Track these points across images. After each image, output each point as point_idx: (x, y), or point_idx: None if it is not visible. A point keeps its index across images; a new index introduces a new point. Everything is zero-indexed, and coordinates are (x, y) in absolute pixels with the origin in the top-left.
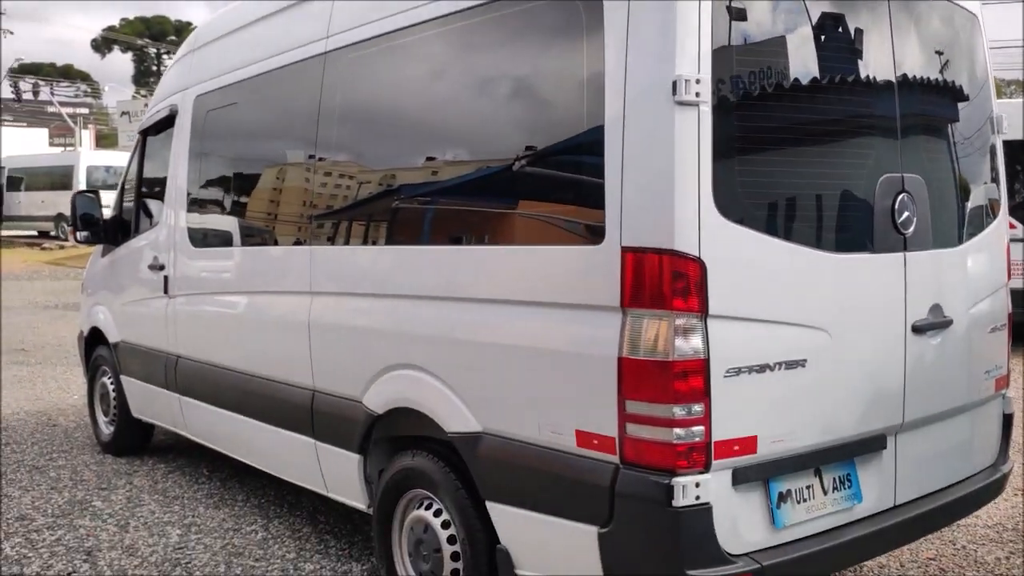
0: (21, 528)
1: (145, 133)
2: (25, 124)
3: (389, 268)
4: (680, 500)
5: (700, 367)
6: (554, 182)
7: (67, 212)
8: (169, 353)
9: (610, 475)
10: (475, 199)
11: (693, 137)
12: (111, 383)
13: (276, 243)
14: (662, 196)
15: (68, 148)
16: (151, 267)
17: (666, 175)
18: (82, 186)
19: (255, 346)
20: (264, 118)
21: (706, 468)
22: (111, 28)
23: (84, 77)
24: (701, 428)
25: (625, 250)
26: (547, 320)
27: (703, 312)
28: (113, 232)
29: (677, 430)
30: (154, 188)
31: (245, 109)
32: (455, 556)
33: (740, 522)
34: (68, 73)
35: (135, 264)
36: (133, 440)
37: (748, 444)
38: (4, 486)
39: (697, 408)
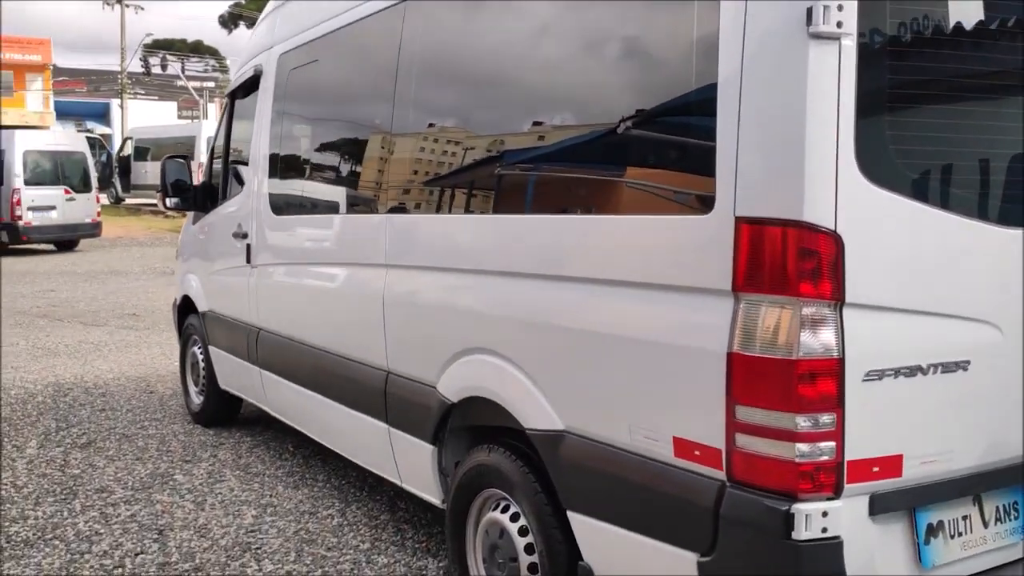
0: (99, 501)
1: (233, 96)
2: (156, 97)
3: (470, 240)
4: (802, 532)
5: (832, 368)
6: (661, 145)
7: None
8: (251, 325)
9: (714, 494)
10: (575, 165)
11: (832, 78)
12: (200, 353)
13: (352, 211)
14: (789, 153)
15: (194, 120)
16: (235, 235)
17: (795, 127)
18: (203, 156)
19: (330, 321)
20: (343, 76)
21: (836, 493)
22: (237, 4)
23: (212, 52)
24: (832, 444)
25: (740, 221)
26: (645, 304)
27: (838, 299)
28: (202, 198)
29: (800, 445)
30: (241, 153)
31: (325, 67)
32: (533, 568)
33: (878, 560)
34: (198, 49)
35: (222, 232)
36: (222, 411)
37: (891, 465)
38: (92, 455)
39: (827, 419)
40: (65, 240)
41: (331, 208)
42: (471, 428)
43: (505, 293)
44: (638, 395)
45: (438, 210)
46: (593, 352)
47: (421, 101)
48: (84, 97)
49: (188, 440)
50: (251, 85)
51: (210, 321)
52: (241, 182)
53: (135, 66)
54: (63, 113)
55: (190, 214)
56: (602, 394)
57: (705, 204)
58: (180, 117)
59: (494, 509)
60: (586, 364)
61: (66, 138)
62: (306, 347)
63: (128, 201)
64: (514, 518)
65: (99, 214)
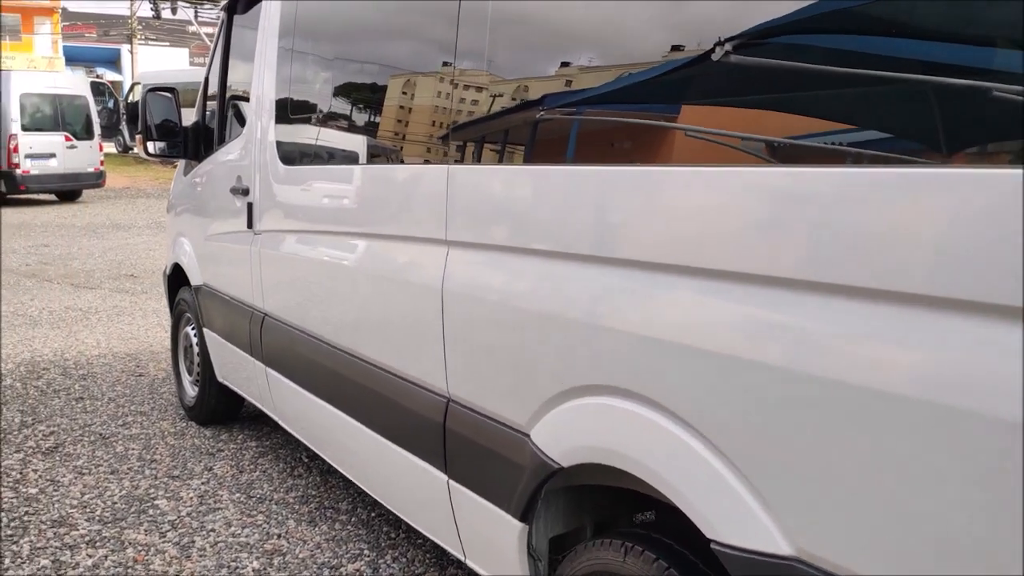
0: (54, 541)
1: (231, 9)
2: (168, 44)
3: (587, 206)
4: None
5: None
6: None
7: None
8: (254, 308)
9: None
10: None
11: None
12: (195, 335)
13: (399, 160)
14: None
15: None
16: (234, 191)
17: None
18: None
19: (362, 314)
20: None
21: None
22: None
23: None
24: None
25: None
26: (949, 334)
27: None
28: (195, 143)
29: None
30: (241, 85)
31: None
32: None
33: None
34: None
35: (218, 186)
36: (220, 407)
37: None
38: (57, 465)
39: None
40: (66, 190)
41: (366, 157)
42: (583, 491)
43: (655, 300)
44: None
45: (534, 158)
46: (850, 422)
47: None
48: (94, 43)
49: (178, 445)
50: None
51: (205, 298)
52: (242, 123)
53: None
54: (72, 59)
55: (181, 162)
56: (881, 505)
57: None
58: (192, 64)
59: None
60: (835, 447)
61: (67, 81)
62: (326, 346)
63: (136, 150)
64: None
65: (102, 163)
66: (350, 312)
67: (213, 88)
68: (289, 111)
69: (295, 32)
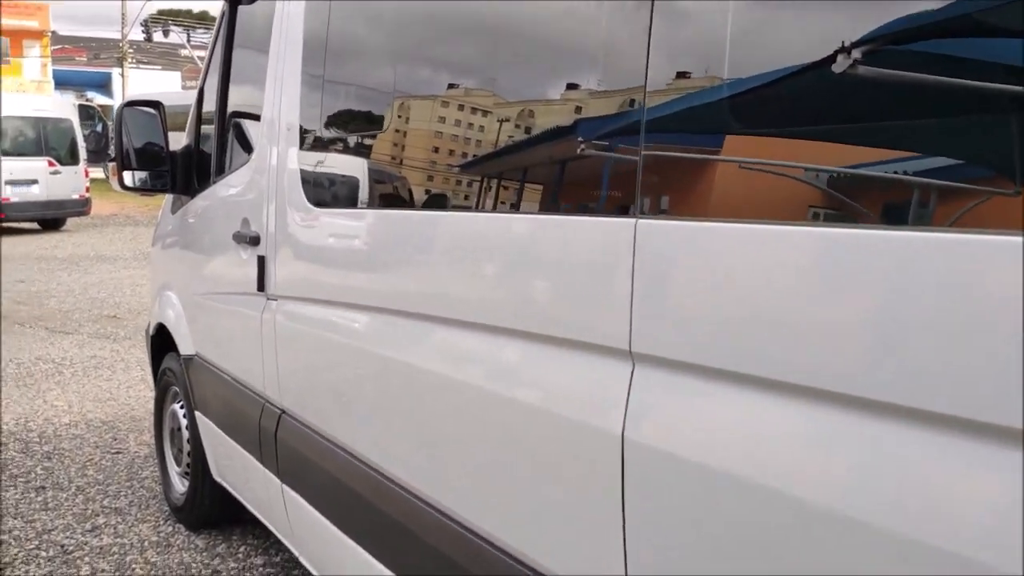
0: None
1: (234, 1)
2: (160, 67)
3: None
4: None
5: None
6: None
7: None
8: (267, 400)
9: None
10: None
11: None
12: (184, 416)
13: (520, 208)
14: None
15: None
16: (239, 238)
17: None
18: None
19: (450, 450)
20: None
21: None
22: None
23: None
24: None
25: None
26: None
27: None
28: (186, 173)
29: None
30: (249, 98)
31: None
32: None
33: None
34: (203, 18)
35: (216, 229)
36: (216, 510)
37: None
38: None
39: None
40: (49, 218)
41: (458, 200)
42: None
43: None
44: None
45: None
46: None
47: None
48: (85, 66)
49: (161, 563)
50: None
51: (197, 372)
52: (249, 148)
53: (136, 34)
54: (62, 82)
55: (169, 197)
56: None
57: None
58: (184, 88)
59: None
60: None
61: (51, 103)
62: (383, 479)
63: (110, 181)
64: None
65: (88, 189)
66: (426, 441)
67: (210, 103)
68: (321, 132)
69: (330, 27)
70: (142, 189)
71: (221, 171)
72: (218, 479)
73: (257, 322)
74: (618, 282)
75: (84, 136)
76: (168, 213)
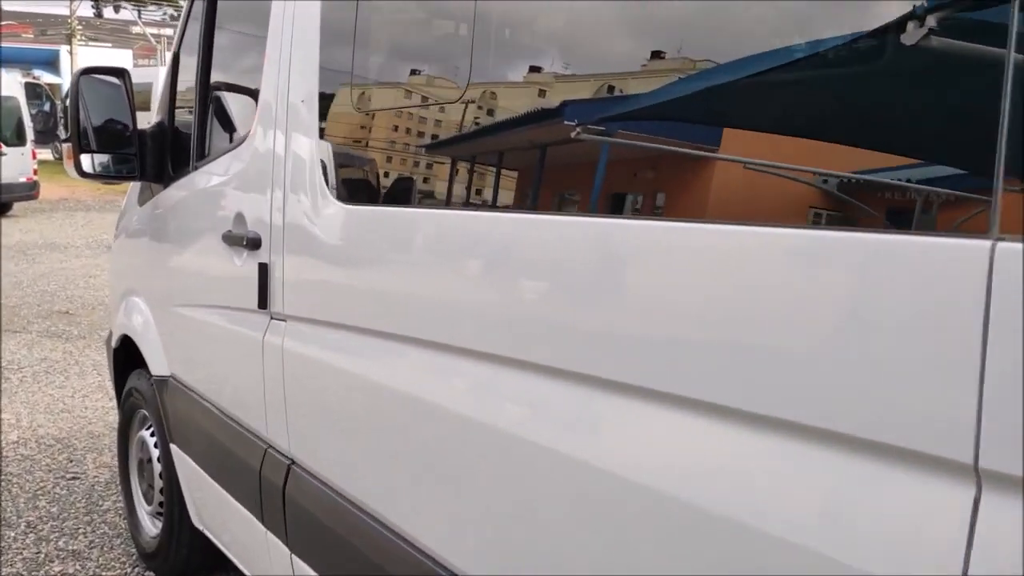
0: None
1: None
2: (110, 44)
3: None
4: None
5: None
6: None
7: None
8: (270, 444)
9: None
10: None
11: None
12: (156, 446)
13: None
14: None
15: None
16: (230, 239)
17: None
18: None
19: (556, 548)
20: None
21: None
22: None
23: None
24: None
25: None
26: None
27: None
28: (158, 157)
29: None
30: (242, 64)
31: None
32: None
33: None
34: None
35: (197, 225)
36: (196, 558)
37: None
38: None
39: None
40: None
41: (576, 194)
42: None
43: None
44: None
45: None
46: None
47: None
48: (31, 43)
49: None
50: None
51: (174, 398)
52: (241, 125)
53: (86, 9)
54: (8, 60)
55: (133, 187)
56: None
57: None
58: (136, 66)
59: None
60: None
61: None
62: (438, 569)
63: (65, 166)
64: None
65: (36, 172)
66: (514, 531)
67: (188, 71)
68: (354, 103)
69: None
70: (104, 176)
71: (203, 154)
72: (199, 527)
73: (257, 348)
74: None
75: (31, 116)
76: (134, 204)
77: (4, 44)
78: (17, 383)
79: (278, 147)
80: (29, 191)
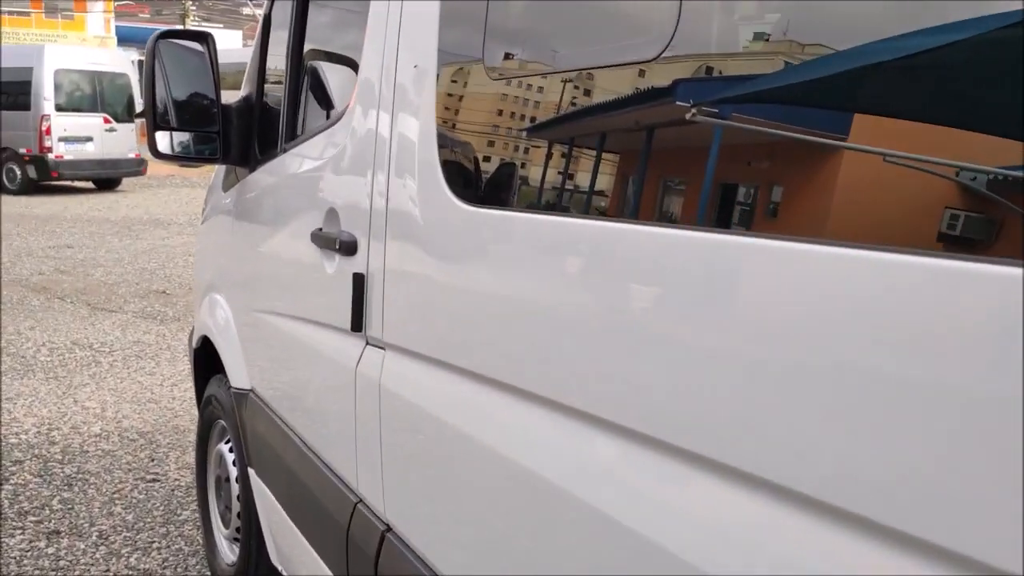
0: None
1: None
2: (221, 25)
3: None
4: None
5: None
6: None
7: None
8: (362, 499)
9: None
10: None
11: None
12: (234, 465)
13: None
14: None
15: None
16: (320, 240)
17: None
18: None
19: None
20: None
21: None
22: None
23: None
24: None
25: None
26: None
27: None
28: (243, 137)
29: None
30: (338, 36)
31: None
32: None
33: None
34: None
35: (284, 219)
36: None
37: None
38: None
39: None
40: (104, 178)
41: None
42: None
43: None
44: None
45: None
46: None
47: None
48: (147, 23)
49: None
50: None
51: (255, 418)
52: (332, 104)
53: None
54: (125, 39)
55: (219, 168)
56: None
57: None
58: (245, 46)
59: None
60: None
61: (108, 57)
62: None
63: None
64: None
65: None
66: None
67: (278, 46)
68: (484, 81)
69: None
70: (183, 157)
71: (293, 136)
72: (277, 566)
73: (348, 379)
74: None
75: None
76: (219, 189)
77: (121, 23)
78: (107, 368)
79: (381, 130)
80: (137, 167)
